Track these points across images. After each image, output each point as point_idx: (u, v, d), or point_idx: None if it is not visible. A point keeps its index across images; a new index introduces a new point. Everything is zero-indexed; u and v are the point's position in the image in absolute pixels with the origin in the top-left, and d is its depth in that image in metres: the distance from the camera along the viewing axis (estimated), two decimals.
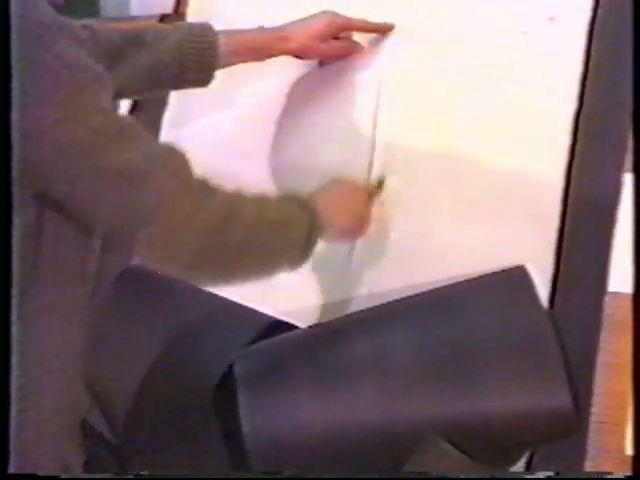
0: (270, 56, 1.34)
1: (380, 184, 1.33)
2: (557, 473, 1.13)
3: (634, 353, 0.92)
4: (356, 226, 1.26)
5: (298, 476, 1.11)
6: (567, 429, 1.12)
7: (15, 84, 0.85)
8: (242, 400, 1.17)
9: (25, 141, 0.87)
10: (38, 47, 0.89)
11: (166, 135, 1.52)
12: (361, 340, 1.20)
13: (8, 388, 0.86)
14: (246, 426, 1.15)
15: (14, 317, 0.89)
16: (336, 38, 1.38)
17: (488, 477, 1.11)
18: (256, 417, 1.16)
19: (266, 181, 1.41)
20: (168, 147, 1.02)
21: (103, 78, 0.96)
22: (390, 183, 1.33)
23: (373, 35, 1.41)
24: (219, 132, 1.48)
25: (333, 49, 1.39)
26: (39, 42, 0.90)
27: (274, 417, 1.17)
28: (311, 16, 1.34)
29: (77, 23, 1.02)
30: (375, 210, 1.29)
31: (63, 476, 1.02)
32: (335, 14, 1.35)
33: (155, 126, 1.52)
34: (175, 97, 1.51)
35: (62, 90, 0.90)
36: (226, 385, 1.20)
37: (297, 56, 1.37)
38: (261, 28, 1.33)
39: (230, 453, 1.20)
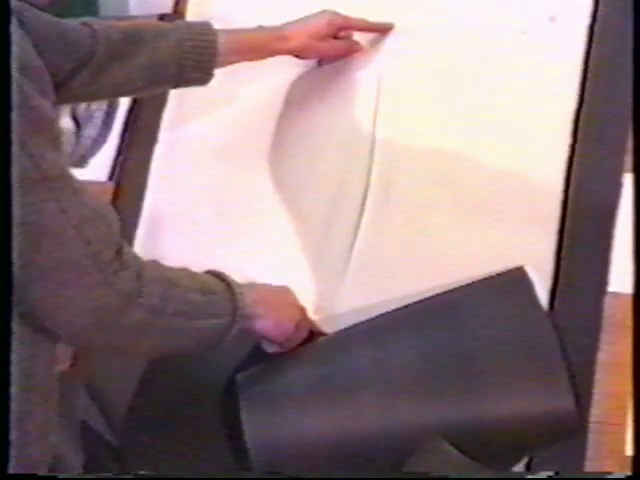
0: (270, 55, 1.34)
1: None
2: (557, 473, 1.13)
3: (634, 353, 0.93)
4: (284, 332, 1.18)
5: (298, 476, 1.10)
6: (569, 430, 1.13)
7: None
8: (245, 413, 1.17)
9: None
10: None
11: (165, 134, 1.52)
12: (363, 349, 1.20)
13: (8, 388, 0.86)
14: (249, 439, 1.15)
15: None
16: (336, 37, 1.38)
17: (488, 477, 1.11)
18: (259, 430, 1.16)
19: (266, 181, 1.41)
20: (96, 210, 0.96)
21: (46, 120, 0.92)
22: (415, 181, 1.31)
23: (373, 34, 1.41)
24: (219, 131, 1.48)
25: (333, 48, 1.39)
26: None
27: (277, 430, 1.17)
28: (311, 15, 1.34)
29: (32, 53, 0.95)
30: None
31: (62, 476, 1.02)
32: (335, 13, 1.35)
33: (154, 125, 1.52)
34: (174, 96, 1.50)
35: None
36: (229, 394, 1.20)
37: (297, 55, 1.37)
38: (261, 27, 1.33)
39: (233, 458, 1.20)
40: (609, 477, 1.11)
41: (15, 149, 0.86)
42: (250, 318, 1.11)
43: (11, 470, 0.86)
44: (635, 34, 1.02)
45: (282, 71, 1.44)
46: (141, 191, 1.48)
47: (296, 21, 1.33)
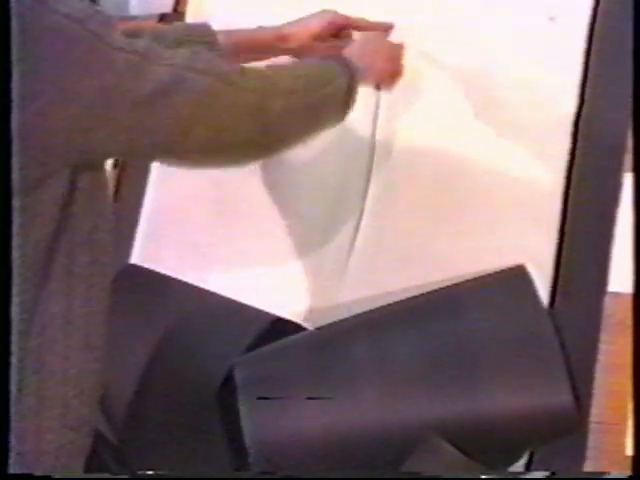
0: (269, 55, 1.34)
1: None
2: (553, 473, 1.14)
3: (634, 353, 0.93)
4: (391, 67, 1.32)
5: (298, 476, 1.11)
6: (568, 428, 1.13)
7: (22, 57, 0.86)
8: (243, 408, 1.17)
9: (49, 111, 0.89)
10: (44, 11, 0.90)
11: None
12: (362, 343, 1.20)
13: (8, 388, 0.87)
14: (248, 433, 1.15)
15: (25, 324, 0.91)
16: (335, 37, 1.38)
17: (487, 477, 1.12)
18: (257, 424, 1.16)
19: (266, 181, 1.40)
20: (189, 52, 1.02)
21: (111, 20, 0.97)
22: (415, 181, 1.34)
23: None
24: None
25: (333, 48, 1.38)
26: (43, 7, 0.90)
27: (275, 424, 1.17)
28: (311, 15, 1.34)
29: None
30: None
31: (61, 476, 1.02)
32: (335, 13, 1.35)
33: None
34: None
35: (80, 45, 0.91)
36: (227, 389, 1.21)
37: (296, 55, 1.37)
38: (260, 27, 1.33)
39: (232, 453, 1.20)
40: (608, 477, 1.12)
41: (104, 52, 0.92)
42: (361, 72, 1.20)
43: (11, 470, 0.87)
44: (635, 34, 1.03)
45: None
46: (141, 191, 1.47)
47: (296, 21, 1.33)
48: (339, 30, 1.36)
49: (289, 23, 1.32)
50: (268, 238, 1.37)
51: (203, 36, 1.27)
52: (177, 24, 1.33)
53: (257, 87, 1.05)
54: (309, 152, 1.38)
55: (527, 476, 1.17)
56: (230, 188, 1.41)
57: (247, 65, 1.10)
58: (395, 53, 1.33)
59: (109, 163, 1.46)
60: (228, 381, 1.20)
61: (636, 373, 0.94)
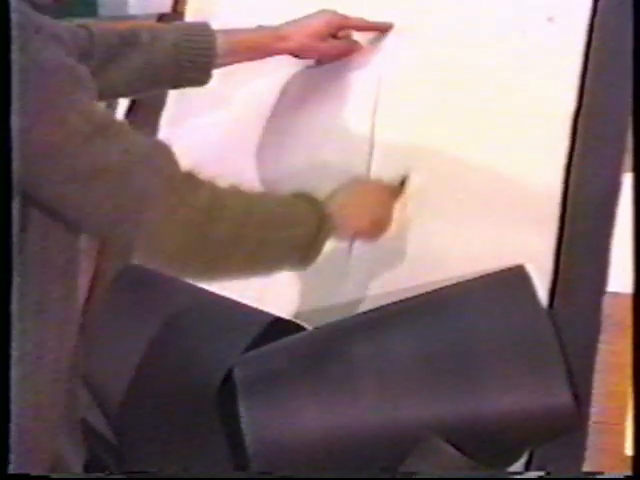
0: (268, 55, 1.34)
1: (403, 183, 1.30)
2: (548, 473, 1.14)
3: (634, 353, 0.93)
4: (375, 228, 1.23)
5: (298, 476, 1.11)
6: (567, 427, 1.13)
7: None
8: (243, 407, 1.17)
9: (14, 143, 0.88)
10: (14, 49, 0.89)
11: (164, 134, 1.52)
12: (361, 343, 1.20)
13: (8, 388, 0.87)
14: (247, 434, 1.15)
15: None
16: (335, 37, 1.38)
17: (487, 477, 1.12)
18: (257, 424, 1.16)
19: (265, 181, 1.41)
20: (152, 142, 1.02)
21: (82, 78, 0.96)
22: (415, 181, 1.31)
23: (372, 34, 1.42)
24: (217, 132, 1.48)
25: (332, 48, 1.39)
26: (14, 44, 0.89)
27: (275, 424, 1.17)
28: (310, 15, 1.34)
29: (60, 24, 1.01)
30: (397, 211, 1.27)
31: (62, 476, 1.03)
32: (334, 13, 1.35)
33: (153, 125, 1.52)
34: (173, 96, 1.51)
35: (38, 93, 0.90)
36: (226, 388, 1.20)
37: (296, 55, 1.37)
38: (259, 27, 1.33)
39: (231, 453, 1.20)
40: (607, 477, 1.11)
41: (63, 110, 0.91)
42: (336, 226, 1.12)
43: (13, 470, 0.87)
44: (635, 34, 1.02)
45: (281, 71, 1.44)
46: None
47: (295, 21, 1.34)
48: (338, 30, 1.36)
49: (288, 23, 1.33)
50: None
51: (201, 35, 1.27)
52: (176, 24, 1.34)
53: (204, 207, 1.00)
54: (308, 152, 1.40)
55: (526, 476, 1.17)
56: (226, 182, 1.40)
57: (204, 179, 1.03)
58: (386, 206, 1.24)
59: None
60: (227, 381, 1.20)
61: (636, 373, 0.94)
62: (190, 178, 1.01)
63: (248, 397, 1.18)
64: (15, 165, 0.88)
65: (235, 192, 1.06)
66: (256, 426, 1.16)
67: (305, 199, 1.11)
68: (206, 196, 1.01)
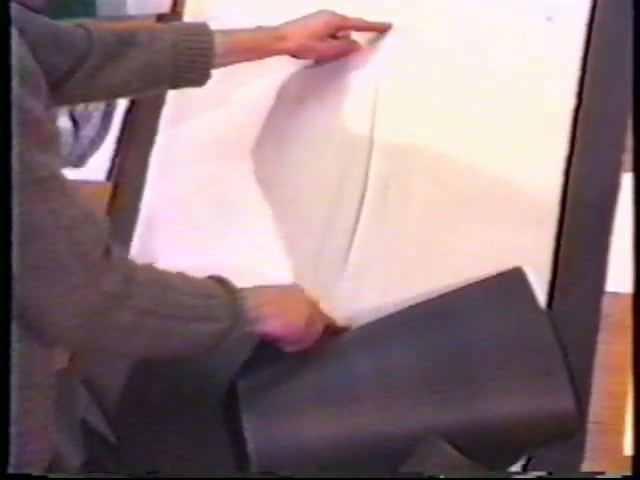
0: (267, 55, 1.35)
1: (340, 329, 1.25)
2: (550, 473, 1.14)
3: (634, 353, 0.93)
4: (293, 334, 1.16)
5: (298, 476, 1.11)
6: (569, 430, 1.13)
7: None
8: (246, 420, 1.16)
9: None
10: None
11: (163, 134, 1.52)
12: (362, 356, 1.20)
13: (8, 388, 0.86)
14: (250, 444, 1.15)
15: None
16: (334, 37, 1.38)
17: (486, 477, 1.12)
18: (260, 436, 1.16)
19: (264, 182, 1.41)
20: (85, 212, 0.96)
21: (38, 121, 0.92)
22: (413, 181, 1.30)
23: (370, 34, 1.42)
24: (217, 131, 1.48)
25: (331, 48, 1.39)
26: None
27: (278, 435, 1.17)
28: (309, 15, 1.35)
29: (27, 53, 0.95)
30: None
31: (61, 476, 1.03)
32: (333, 13, 1.36)
33: (152, 125, 1.53)
34: (172, 96, 1.51)
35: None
36: (229, 399, 1.20)
37: (295, 55, 1.38)
38: (258, 27, 1.34)
39: (233, 457, 1.20)
40: (606, 477, 1.11)
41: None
42: (254, 322, 1.10)
43: (11, 470, 0.86)
44: (635, 34, 1.03)
45: (279, 71, 1.44)
46: (139, 191, 1.48)
47: (294, 21, 1.34)
48: (337, 30, 1.37)
49: (287, 23, 1.33)
50: (266, 239, 1.37)
51: (200, 35, 1.27)
52: (174, 24, 1.34)
53: (111, 291, 0.95)
54: (307, 152, 1.40)
55: (525, 476, 1.17)
56: (228, 189, 1.42)
57: (122, 261, 0.99)
58: (314, 323, 1.18)
59: (103, 173, 1.48)
60: (231, 391, 1.20)
61: (636, 373, 0.94)
62: (107, 260, 0.96)
63: (251, 411, 1.17)
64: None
65: (149, 279, 1.02)
66: (259, 440, 1.16)
67: (224, 290, 1.08)
68: (116, 282, 0.96)
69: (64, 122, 1.50)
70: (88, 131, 1.53)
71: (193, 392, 1.26)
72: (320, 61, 1.43)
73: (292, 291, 1.21)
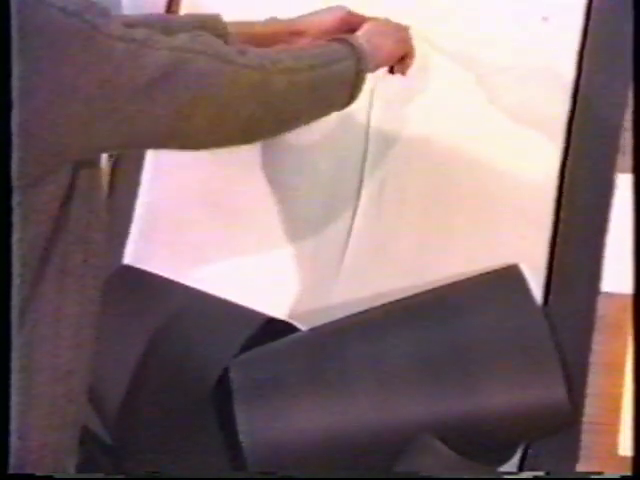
0: None
1: None
2: (547, 473, 1.15)
3: (635, 354, 0.94)
4: (401, 48, 1.29)
5: (298, 476, 1.12)
6: (562, 423, 1.15)
7: (21, 54, 0.86)
8: (239, 410, 1.17)
9: (48, 108, 0.89)
10: (40, 6, 0.89)
11: None
12: (357, 344, 1.21)
13: (8, 389, 0.87)
14: (244, 436, 1.16)
15: (16, 321, 0.91)
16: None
17: (486, 477, 1.14)
18: (254, 427, 1.17)
19: (260, 181, 1.40)
20: (188, 36, 1.02)
21: (108, 11, 0.96)
22: (434, 207, 1.32)
23: None
24: None
25: None
26: (39, 2, 0.90)
27: (272, 426, 1.18)
28: (321, 11, 1.32)
29: None
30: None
31: (62, 476, 1.03)
32: (348, 10, 1.33)
33: None
34: None
35: (77, 39, 0.90)
36: (222, 390, 1.21)
37: None
38: (273, 20, 1.32)
39: (228, 453, 1.21)
40: (603, 477, 1.12)
41: (102, 44, 0.92)
42: (369, 55, 1.18)
43: (11, 470, 0.88)
44: (635, 34, 1.03)
45: None
46: (133, 192, 1.47)
47: (310, 16, 1.32)
48: (352, 28, 1.34)
49: (303, 17, 1.32)
50: (262, 238, 1.37)
51: (214, 30, 1.26)
52: (187, 15, 1.34)
53: (258, 65, 1.05)
54: (303, 152, 1.39)
55: (520, 476, 1.18)
56: (224, 187, 1.41)
57: (245, 46, 1.10)
58: (403, 34, 1.31)
59: (103, 161, 1.47)
60: (223, 383, 1.21)
61: (636, 373, 0.95)
62: (234, 48, 1.06)
63: (244, 400, 1.18)
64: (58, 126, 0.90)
65: (277, 49, 1.15)
66: (252, 429, 1.17)
67: (338, 40, 1.18)
68: (255, 56, 1.06)
69: None
70: None
71: (189, 393, 1.27)
72: None
73: (388, 23, 1.30)
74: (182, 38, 1.01)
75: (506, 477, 1.18)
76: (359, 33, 1.23)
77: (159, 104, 0.96)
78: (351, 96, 1.17)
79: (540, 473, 1.16)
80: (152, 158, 1.48)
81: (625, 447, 1.14)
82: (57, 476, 1.00)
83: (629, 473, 0.93)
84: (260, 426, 1.17)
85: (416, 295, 1.25)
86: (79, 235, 1.00)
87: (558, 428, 1.16)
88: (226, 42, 1.24)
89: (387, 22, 1.29)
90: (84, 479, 1.08)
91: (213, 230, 1.40)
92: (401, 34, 1.30)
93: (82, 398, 1.04)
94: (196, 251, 1.39)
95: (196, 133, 1.03)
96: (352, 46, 1.17)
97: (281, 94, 1.07)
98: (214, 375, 1.23)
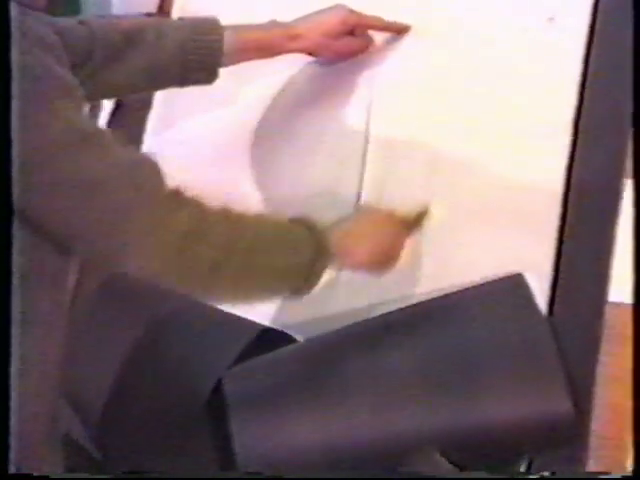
0: (279, 54, 1.32)
1: (421, 216, 1.25)
2: (553, 473, 1.15)
3: (634, 364, 0.95)
4: (380, 260, 1.17)
5: (295, 476, 1.11)
6: (567, 437, 1.13)
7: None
8: (234, 423, 1.16)
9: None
10: (23, 47, 0.89)
11: (150, 138, 1.52)
12: (355, 355, 1.20)
13: (8, 390, 0.87)
14: (239, 451, 1.15)
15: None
16: (351, 34, 1.36)
17: (487, 477, 1.12)
18: (249, 441, 1.16)
19: (255, 184, 1.40)
20: (137, 157, 1.00)
21: (68, 86, 0.96)
22: (436, 213, 1.26)
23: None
24: (206, 134, 1.48)
25: (348, 46, 1.37)
26: (24, 42, 0.90)
27: (267, 440, 1.16)
28: (322, 11, 1.32)
29: (46, 29, 0.99)
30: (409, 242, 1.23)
31: (62, 476, 1.04)
32: (348, 9, 1.33)
33: (139, 128, 1.52)
34: (160, 98, 1.50)
35: (22, 98, 0.89)
36: (216, 402, 1.20)
37: (309, 54, 1.36)
38: (272, 23, 1.31)
39: (221, 465, 1.20)
40: (607, 477, 1.12)
41: (46, 117, 0.91)
42: (336, 254, 1.09)
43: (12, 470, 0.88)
44: (635, 34, 1.03)
45: (273, 72, 1.42)
46: None
47: (308, 17, 1.32)
48: (353, 28, 1.34)
49: (301, 19, 1.31)
50: None
51: (209, 34, 1.25)
52: (183, 20, 1.31)
53: (182, 229, 0.96)
54: (300, 154, 1.39)
55: (528, 477, 1.17)
56: (216, 192, 1.36)
57: (192, 199, 1.00)
58: (396, 239, 1.19)
59: None
60: (217, 395, 1.20)
61: (636, 384, 0.95)
62: (174, 197, 0.98)
63: (239, 414, 1.17)
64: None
65: (224, 215, 1.02)
66: (248, 444, 1.15)
67: (303, 224, 1.08)
68: (188, 219, 0.97)
69: None
70: None
71: (180, 404, 1.25)
72: (336, 59, 1.40)
73: (372, 218, 1.20)
74: (125, 157, 0.97)
75: (513, 478, 1.18)
76: (345, 221, 1.14)
77: (73, 203, 0.93)
78: (297, 289, 1.08)
79: (545, 473, 1.15)
80: None
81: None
82: (57, 476, 1.00)
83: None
84: (256, 441, 1.16)
85: (415, 305, 1.23)
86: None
87: (564, 441, 1.14)
88: (220, 49, 1.26)
89: (384, 220, 1.19)
90: (84, 479, 1.09)
91: None
92: (389, 245, 1.18)
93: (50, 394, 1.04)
94: None
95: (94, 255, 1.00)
96: (317, 240, 1.06)
97: (199, 268, 0.98)
98: (208, 386, 1.21)
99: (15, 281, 0.94)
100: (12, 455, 0.91)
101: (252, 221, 1.05)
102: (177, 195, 0.98)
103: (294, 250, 1.06)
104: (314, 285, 1.07)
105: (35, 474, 0.95)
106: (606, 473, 1.12)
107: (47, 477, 0.98)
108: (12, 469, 0.88)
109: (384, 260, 1.17)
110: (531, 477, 1.16)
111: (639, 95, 0.99)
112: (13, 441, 0.93)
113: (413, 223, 1.24)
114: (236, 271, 1.01)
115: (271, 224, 1.08)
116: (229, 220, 1.02)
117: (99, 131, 0.98)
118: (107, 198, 0.93)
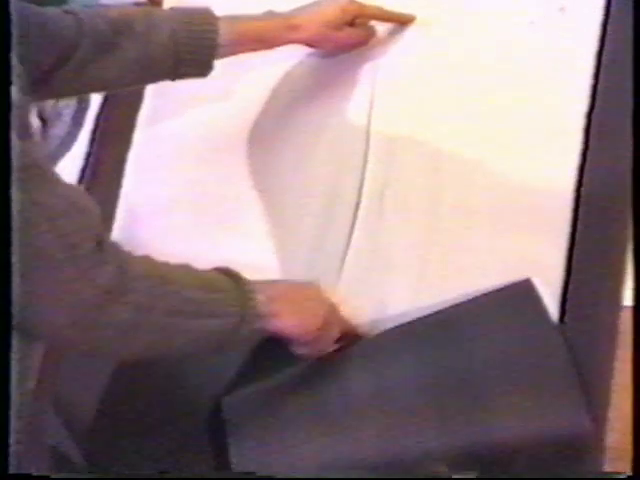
0: (278, 46, 1.31)
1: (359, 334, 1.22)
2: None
3: (633, 367, 0.92)
4: (311, 333, 1.12)
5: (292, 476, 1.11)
6: (584, 452, 1.10)
7: None
8: (233, 443, 1.15)
9: None
10: None
11: (140, 134, 1.50)
12: (361, 374, 1.18)
13: (8, 389, 0.85)
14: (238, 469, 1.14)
15: None
16: (352, 25, 1.34)
17: (487, 477, 1.11)
18: (249, 462, 1.14)
19: (251, 182, 1.38)
20: (72, 202, 0.92)
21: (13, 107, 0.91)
22: (441, 213, 1.25)
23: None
24: (198, 129, 1.45)
25: (349, 37, 1.35)
26: None
27: (269, 462, 1.15)
28: (322, 1, 1.30)
29: None
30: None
31: (62, 476, 1.05)
32: (350, 0, 1.32)
33: (129, 123, 1.51)
34: (151, 92, 1.49)
35: None
36: (215, 422, 1.19)
37: (308, 45, 1.34)
38: (269, 13, 1.30)
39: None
40: (607, 476, 1.10)
41: None
42: (264, 317, 1.05)
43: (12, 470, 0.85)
44: (635, 34, 1.02)
45: (268, 66, 1.41)
46: (114, 194, 1.45)
47: (307, 8, 1.30)
48: (354, 18, 1.32)
49: (300, 10, 1.30)
50: (253, 247, 1.34)
51: (202, 25, 1.23)
52: (175, 10, 1.28)
53: (103, 286, 0.91)
54: (297, 152, 1.37)
55: (525, 476, 1.14)
56: (213, 193, 1.40)
57: (117, 254, 0.96)
58: (333, 315, 1.15)
59: (75, 177, 1.47)
60: (217, 411, 1.19)
61: (636, 389, 0.92)
62: (99, 251, 0.92)
63: (238, 436, 1.15)
64: None
65: (148, 272, 0.98)
66: (247, 466, 1.13)
67: (232, 283, 1.04)
68: (110, 275, 0.92)
69: (32, 121, 1.47)
70: (58, 130, 1.50)
71: (171, 415, 1.24)
72: (336, 51, 1.38)
73: (308, 288, 1.17)
74: (56, 200, 0.90)
75: (514, 477, 1.14)
76: (275, 287, 1.10)
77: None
78: (220, 349, 1.04)
79: None
80: (134, 160, 1.47)
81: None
82: (57, 476, 1.01)
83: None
84: (256, 466, 1.14)
85: (421, 319, 1.20)
86: None
87: (580, 458, 1.11)
88: (215, 41, 1.23)
89: (323, 296, 1.16)
90: (84, 479, 1.10)
91: (202, 237, 1.38)
92: (325, 318, 1.13)
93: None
94: (182, 260, 1.34)
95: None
96: (245, 301, 1.03)
97: (116, 327, 0.94)
98: (205, 395, 1.21)
99: None
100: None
101: (178, 277, 1.01)
102: (102, 247, 0.93)
103: (219, 314, 1.02)
104: (238, 347, 1.08)
105: (35, 474, 0.93)
106: (606, 473, 1.10)
107: (47, 477, 0.98)
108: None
109: (310, 336, 1.12)
110: (532, 477, 1.13)
111: (639, 94, 0.97)
112: None
113: (350, 331, 1.20)
114: (151, 333, 0.98)
115: (198, 281, 1.03)
116: (153, 278, 0.98)
117: (35, 165, 0.90)
118: (26, 239, 0.87)
